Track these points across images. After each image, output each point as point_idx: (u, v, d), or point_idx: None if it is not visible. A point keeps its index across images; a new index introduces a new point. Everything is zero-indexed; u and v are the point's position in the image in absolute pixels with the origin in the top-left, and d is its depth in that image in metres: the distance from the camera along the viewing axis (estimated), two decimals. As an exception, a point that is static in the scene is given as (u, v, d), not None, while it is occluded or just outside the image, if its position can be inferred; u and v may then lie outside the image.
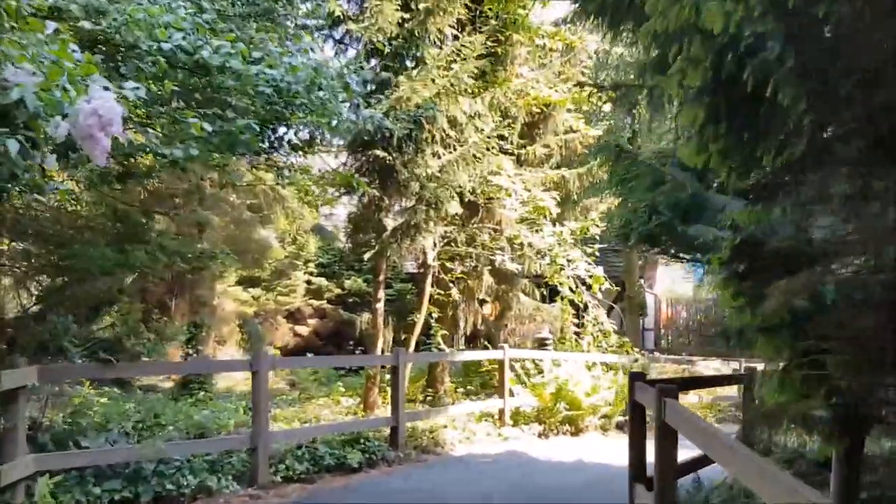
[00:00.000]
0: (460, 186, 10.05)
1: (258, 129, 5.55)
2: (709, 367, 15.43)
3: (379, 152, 9.50)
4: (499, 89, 10.83)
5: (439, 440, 9.30)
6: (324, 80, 6.28)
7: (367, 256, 9.99)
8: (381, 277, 10.99)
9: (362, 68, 8.05)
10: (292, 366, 13.43)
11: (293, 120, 6.52)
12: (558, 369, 11.83)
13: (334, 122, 6.70)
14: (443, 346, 12.05)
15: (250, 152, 6.08)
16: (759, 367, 9.57)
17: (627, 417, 5.93)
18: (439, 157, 10.11)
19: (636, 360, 13.12)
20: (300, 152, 7.19)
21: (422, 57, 10.16)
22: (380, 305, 11.01)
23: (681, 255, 5.24)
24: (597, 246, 12.41)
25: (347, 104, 7.00)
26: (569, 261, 12.92)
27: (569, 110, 13.34)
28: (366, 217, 10.86)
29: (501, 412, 10.75)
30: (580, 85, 12.97)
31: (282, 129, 6.96)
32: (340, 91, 6.50)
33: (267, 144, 6.79)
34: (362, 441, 8.27)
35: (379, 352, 10.99)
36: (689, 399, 14.78)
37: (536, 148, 13.53)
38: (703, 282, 30.29)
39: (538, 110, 12.96)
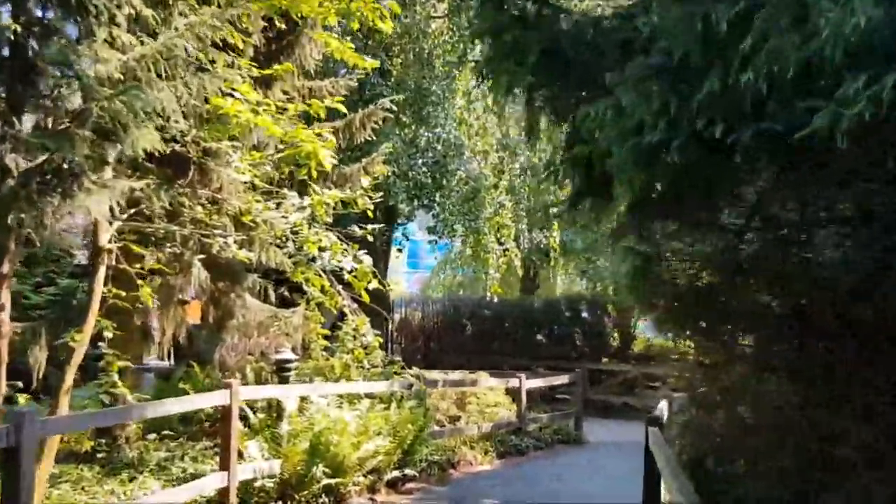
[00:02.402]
0: (163, 109, 5.63)
1: None
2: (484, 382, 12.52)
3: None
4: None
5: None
6: None
7: (-38, 223, 5.05)
8: (7, 267, 6.07)
9: None
10: None
11: None
12: (310, 408, 7.93)
13: None
14: (120, 387, 7.24)
15: None
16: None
17: None
18: (123, 52, 5.59)
19: (411, 386, 9.62)
20: None
21: None
22: (4, 316, 6.11)
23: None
24: (371, 227, 8.56)
25: None
26: (321, 249, 8.99)
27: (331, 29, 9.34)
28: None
29: (225, 493, 6.43)
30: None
31: None
32: None
33: None
34: None
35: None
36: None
37: (274, 91, 9.51)
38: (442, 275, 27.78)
39: (282, 27, 8.83)
